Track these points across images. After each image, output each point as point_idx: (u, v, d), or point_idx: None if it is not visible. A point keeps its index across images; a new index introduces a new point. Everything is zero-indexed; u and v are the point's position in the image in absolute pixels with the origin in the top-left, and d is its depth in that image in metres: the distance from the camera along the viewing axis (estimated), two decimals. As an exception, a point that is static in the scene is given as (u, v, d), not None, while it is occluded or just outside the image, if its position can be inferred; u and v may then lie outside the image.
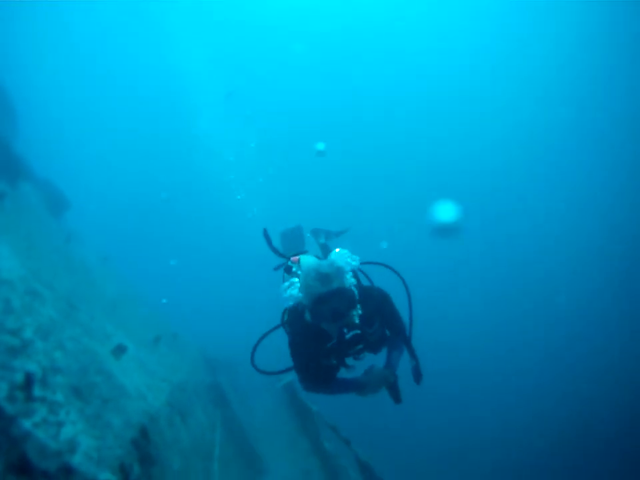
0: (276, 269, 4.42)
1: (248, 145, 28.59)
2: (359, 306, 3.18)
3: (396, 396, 3.24)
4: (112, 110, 28.83)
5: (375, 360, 3.44)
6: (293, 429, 8.42)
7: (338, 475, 6.89)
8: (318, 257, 3.80)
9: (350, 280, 3.22)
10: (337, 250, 3.80)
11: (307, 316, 3.18)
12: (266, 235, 4.21)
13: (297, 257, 3.75)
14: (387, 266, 3.82)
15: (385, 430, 13.23)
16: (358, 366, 3.36)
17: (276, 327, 3.81)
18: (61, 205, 9.98)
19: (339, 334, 3.09)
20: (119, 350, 4.18)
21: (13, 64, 18.06)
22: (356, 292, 3.18)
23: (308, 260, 3.57)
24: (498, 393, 16.74)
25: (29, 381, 2.34)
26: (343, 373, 3.40)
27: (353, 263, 3.54)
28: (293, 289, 3.51)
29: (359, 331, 3.10)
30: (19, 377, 2.31)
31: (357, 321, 3.13)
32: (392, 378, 3.24)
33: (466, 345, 19.81)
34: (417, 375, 3.42)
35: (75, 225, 10.00)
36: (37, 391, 2.34)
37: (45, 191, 9.09)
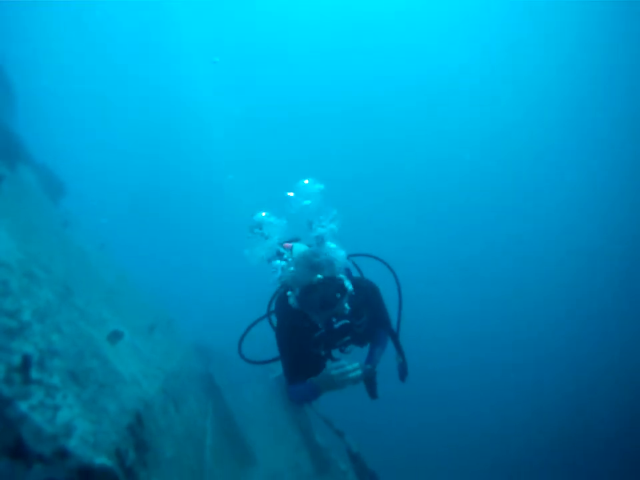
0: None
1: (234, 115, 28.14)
2: (347, 296, 3.11)
3: (372, 391, 3.17)
4: (110, 99, 28.50)
5: (360, 354, 3.36)
6: (284, 420, 8.44)
7: (328, 468, 6.93)
8: (309, 246, 3.82)
9: (340, 270, 3.16)
10: (306, 181, 3.84)
11: (295, 304, 3.11)
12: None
13: (290, 244, 3.77)
14: (378, 258, 3.79)
15: (382, 426, 13.25)
16: (343, 359, 3.27)
17: (263, 317, 3.78)
18: (58, 190, 9.93)
19: (327, 323, 3.02)
20: (115, 336, 4.18)
21: (12, 47, 17.82)
22: (346, 282, 3.12)
23: (299, 248, 3.58)
24: (497, 389, 16.81)
25: (26, 363, 2.33)
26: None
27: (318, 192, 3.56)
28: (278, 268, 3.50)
29: (347, 321, 3.03)
30: (16, 359, 2.30)
31: (346, 311, 3.07)
32: (342, 384, 2.81)
33: (466, 341, 19.89)
34: (403, 373, 3.38)
35: (71, 211, 9.94)
36: (34, 374, 2.34)
37: (43, 175, 9.04)
